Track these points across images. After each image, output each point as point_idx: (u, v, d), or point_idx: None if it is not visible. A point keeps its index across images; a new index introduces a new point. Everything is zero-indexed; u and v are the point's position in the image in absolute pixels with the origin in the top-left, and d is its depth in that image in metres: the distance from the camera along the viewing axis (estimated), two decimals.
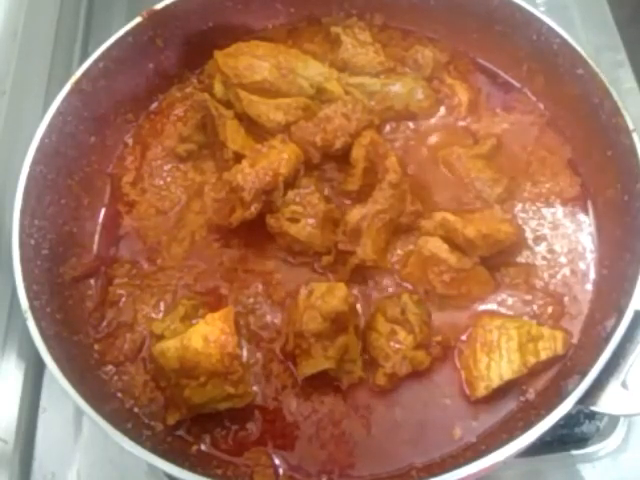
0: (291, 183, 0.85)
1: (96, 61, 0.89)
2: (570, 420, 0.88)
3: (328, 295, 0.77)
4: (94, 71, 0.89)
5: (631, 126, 0.80)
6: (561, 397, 0.70)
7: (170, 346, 0.75)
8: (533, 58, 0.92)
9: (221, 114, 0.90)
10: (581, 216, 0.88)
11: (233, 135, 0.89)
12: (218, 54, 0.92)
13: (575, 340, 0.81)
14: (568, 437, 0.88)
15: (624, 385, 0.71)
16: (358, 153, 0.86)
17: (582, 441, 0.89)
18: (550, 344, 0.78)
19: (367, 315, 0.82)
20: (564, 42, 0.87)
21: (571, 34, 0.87)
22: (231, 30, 0.98)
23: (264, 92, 0.90)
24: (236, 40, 0.95)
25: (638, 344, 0.72)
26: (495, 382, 0.76)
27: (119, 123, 0.95)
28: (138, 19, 0.91)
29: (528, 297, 0.83)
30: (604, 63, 0.85)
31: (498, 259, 0.84)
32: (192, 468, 0.69)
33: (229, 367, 0.74)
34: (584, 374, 0.70)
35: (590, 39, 1.14)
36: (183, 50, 0.98)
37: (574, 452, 0.88)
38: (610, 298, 0.78)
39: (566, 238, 0.87)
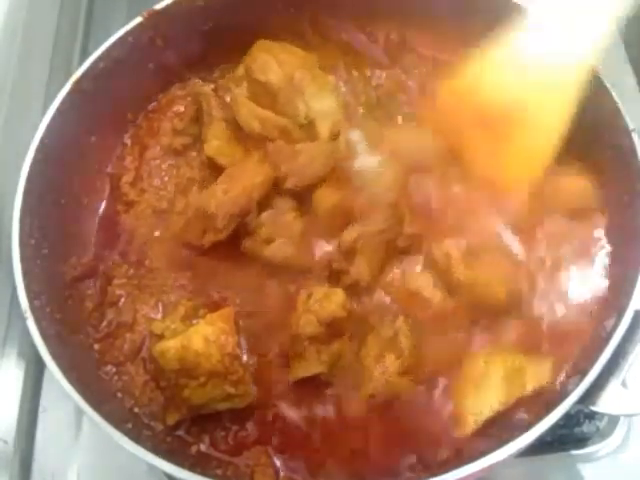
0: (264, 203, 0.84)
1: (96, 61, 0.89)
2: (570, 420, 0.88)
3: (326, 300, 0.77)
4: (94, 71, 0.89)
5: (631, 126, 0.80)
6: (561, 397, 0.70)
7: (170, 346, 0.75)
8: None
9: (210, 112, 0.89)
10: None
11: (214, 138, 0.88)
12: (261, 42, 0.92)
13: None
14: (568, 437, 0.88)
15: (624, 385, 0.71)
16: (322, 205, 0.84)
17: (582, 441, 0.89)
18: (536, 375, 0.76)
19: (360, 330, 0.80)
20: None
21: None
22: (232, 30, 0.98)
23: (260, 95, 0.89)
24: (236, 41, 0.95)
25: (638, 344, 0.72)
26: (484, 415, 0.74)
27: (119, 123, 0.95)
28: (138, 19, 0.91)
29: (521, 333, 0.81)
30: (604, 63, 0.85)
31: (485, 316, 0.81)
32: (192, 468, 0.69)
33: (229, 367, 0.74)
34: (584, 374, 0.70)
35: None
36: (183, 50, 0.98)
37: (574, 452, 0.88)
38: (610, 298, 0.78)
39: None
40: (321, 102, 0.90)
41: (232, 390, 0.75)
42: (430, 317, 0.80)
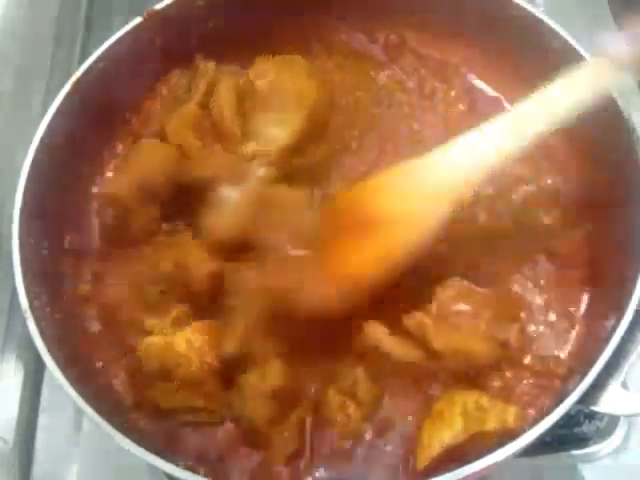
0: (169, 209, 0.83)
1: (96, 61, 0.89)
2: (570, 420, 0.88)
3: (262, 377, 0.74)
4: (94, 71, 0.88)
5: (631, 126, 0.80)
6: (561, 397, 0.70)
7: (155, 342, 0.75)
8: (533, 58, 0.92)
9: (196, 88, 0.88)
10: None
11: (180, 115, 0.87)
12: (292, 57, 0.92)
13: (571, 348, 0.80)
14: (568, 437, 0.88)
15: (624, 385, 0.71)
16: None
17: (582, 441, 0.89)
18: (499, 416, 0.72)
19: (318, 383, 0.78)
20: (564, 42, 0.87)
21: (571, 34, 0.87)
22: (232, 31, 0.98)
23: (246, 93, 0.88)
24: (237, 41, 0.95)
25: (638, 344, 0.72)
26: (435, 449, 0.71)
27: (118, 123, 0.95)
28: (138, 19, 0.91)
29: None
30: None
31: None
32: (192, 468, 0.69)
33: (205, 377, 0.73)
34: (584, 374, 0.70)
35: (590, 39, 1.14)
36: (183, 50, 0.98)
37: (574, 452, 0.88)
38: (610, 298, 0.78)
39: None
40: (275, 130, 0.87)
41: (201, 403, 0.74)
42: (391, 368, 0.78)
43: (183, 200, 0.85)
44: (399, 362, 0.77)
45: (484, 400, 0.73)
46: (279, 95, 0.88)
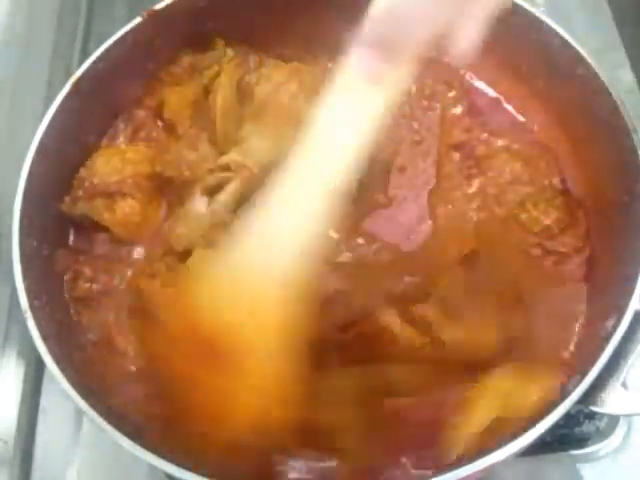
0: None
1: (96, 61, 0.89)
2: (570, 420, 0.87)
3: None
4: (94, 71, 0.88)
5: (631, 126, 0.80)
6: (561, 397, 0.70)
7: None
8: (533, 58, 0.92)
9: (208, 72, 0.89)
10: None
11: (179, 94, 0.88)
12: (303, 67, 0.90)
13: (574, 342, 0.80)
14: (568, 437, 0.88)
15: (624, 385, 0.71)
16: None
17: (582, 441, 0.88)
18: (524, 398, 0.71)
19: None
20: (564, 42, 0.87)
21: (571, 34, 0.87)
22: (232, 32, 0.98)
23: (243, 91, 0.89)
24: (236, 42, 0.95)
25: (638, 344, 0.72)
26: (473, 430, 0.71)
27: (118, 123, 0.95)
28: (138, 19, 0.91)
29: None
30: (604, 63, 0.85)
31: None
32: (192, 468, 0.69)
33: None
34: (584, 374, 0.70)
35: (590, 39, 1.14)
36: (183, 51, 0.98)
37: (574, 452, 0.88)
38: (610, 298, 0.78)
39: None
40: (262, 143, 0.83)
41: None
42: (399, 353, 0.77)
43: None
44: (408, 348, 0.77)
45: (509, 382, 0.73)
46: (274, 110, 0.85)
